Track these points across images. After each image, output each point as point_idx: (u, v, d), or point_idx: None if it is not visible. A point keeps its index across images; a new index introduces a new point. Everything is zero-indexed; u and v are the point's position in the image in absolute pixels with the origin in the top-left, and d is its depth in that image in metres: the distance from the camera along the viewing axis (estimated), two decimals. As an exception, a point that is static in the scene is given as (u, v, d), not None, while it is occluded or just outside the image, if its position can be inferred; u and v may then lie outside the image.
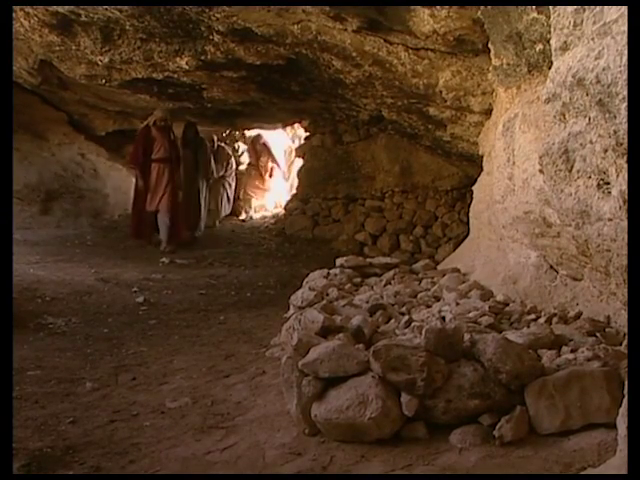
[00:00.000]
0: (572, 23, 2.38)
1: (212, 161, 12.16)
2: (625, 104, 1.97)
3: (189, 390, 4.12)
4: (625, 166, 2.12)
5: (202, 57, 7.37)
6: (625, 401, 2.13)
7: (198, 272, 8.70)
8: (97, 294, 7.04)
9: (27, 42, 7.71)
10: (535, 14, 3.65)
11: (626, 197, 2.16)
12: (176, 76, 8.21)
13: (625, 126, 2.00)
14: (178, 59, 7.48)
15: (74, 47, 7.58)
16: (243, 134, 14.85)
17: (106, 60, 7.71)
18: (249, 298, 7.46)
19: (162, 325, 6.05)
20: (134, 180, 10.69)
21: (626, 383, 2.10)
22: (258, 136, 14.35)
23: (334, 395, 3.04)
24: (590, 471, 2.42)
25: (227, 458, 3.03)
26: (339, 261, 5.90)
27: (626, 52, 1.93)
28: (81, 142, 12.14)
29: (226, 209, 13.31)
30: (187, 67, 7.66)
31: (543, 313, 3.91)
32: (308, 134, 12.04)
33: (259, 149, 14.31)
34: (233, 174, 13.41)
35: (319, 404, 3.06)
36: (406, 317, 4.13)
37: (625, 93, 1.95)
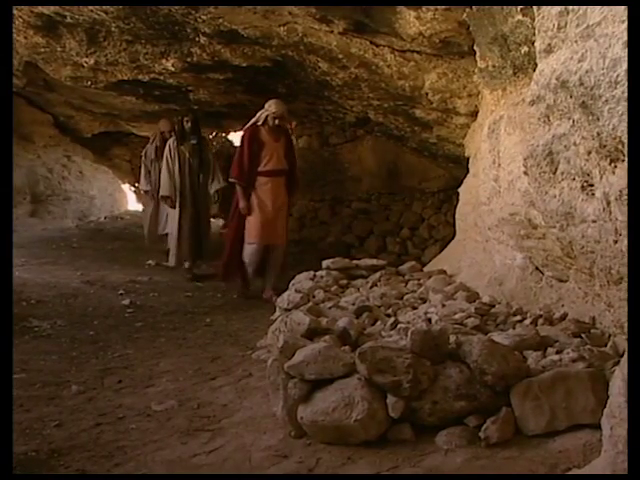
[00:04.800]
0: (556, 26, 2.39)
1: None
2: (608, 107, 1.98)
3: (175, 393, 4.10)
4: (608, 168, 2.14)
5: (188, 59, 7.35)
6: (609, 402, 2.14)
7: (183, 274, 8.67)
8: (83, 297, 7.01)
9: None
10: (520, 16, 3.66)
11: (610, 199, 2.17)
12: (162, 78, 8.18)
13: (608, 128, 2.02)
14: (164, 61, 7.46)
15: (59, 49, 7.54)
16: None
17: (91, 62, 7.67)
18: (235, 300, 7.45)
19: (148, 327, 6.03)
20: (236, 199, 7.63)
21: (616, 384, 2.10)
22: None
23: (320, 397, 3.05)
24: (575, 472, 2.43)
25: (213, 461, 3.03)
26: (325, 263, 5.88)
27: (609, 55, 1.94)
28: (67, 144, 12.12)
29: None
30: (173, 69, 7.64)
31: (529, 314, 3.92)
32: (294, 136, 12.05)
33: None
34: None
35: (305, 406, 3.07)
36: (392, 319, 4.13)
37: (608, 95, 1.97)
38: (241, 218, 7.57)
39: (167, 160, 8.66)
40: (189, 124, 8.65)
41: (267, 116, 7.40)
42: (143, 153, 9.88)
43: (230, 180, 7.77)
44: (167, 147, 8.74)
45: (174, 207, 8.65)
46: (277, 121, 7.39)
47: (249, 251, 7.53)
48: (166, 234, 9.19)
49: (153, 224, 9.69)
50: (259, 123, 7.48)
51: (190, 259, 8.67)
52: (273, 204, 7.49)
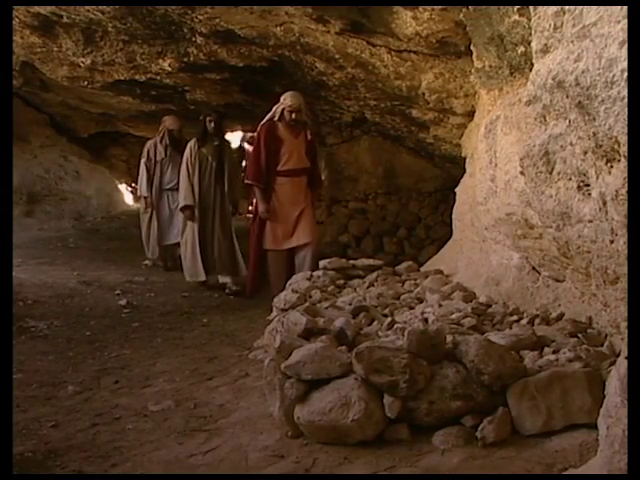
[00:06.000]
0: (552, 26, 2.39)
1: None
2: (604, 107, 1.98)
3: (172, 393, 4.10)
4: (604, 168, 2.14)
5: (185, 59, 7.35)
6: (605, 402, 2.14)
7: (181, 275, 8.66)
8: (79, 297, 7.00)
9: (8, 43, 7.68)
10: (516, 16, 3.66)
11: (606, 199, 2.17)
12: (159, 78, 8.18)
13: (604, 128, 2.02)
14: (161, 61, 7.46)
15: (56, 49, 7.54)
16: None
17: (88, 62, 7.67)
18: (232, 300, 7.44)
19: (145, 328, 6.02)
20: (254, 203, 7.20)
21: (612, 384, 2.10)
22: None
23: (317, 397, 3.04)
24: (572, 471, 2.44)
25: (210, 461, 3.03)
26: (322, 263, 5.88)
27: (605, 55, 1.94)
28: (63, 144, 12.12)
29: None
30: (170, 69, 7.64)
31: (525, 314, 3.92)
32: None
33: None
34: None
35: (302, 406, 3.06)
36: (389, 319, 4.13)
37: (604, 95, 1.97)
38: (262, 223, 7.01)
39: (187, 166, 7.92)
40: (212, 124, 7.97)
41: (283, 110, 6.85)
42: (145, 154, 9.24)
43: (246, 182, 7.21)
44: (187, 150, 8.02)
45: (193, 220, 7.94)
46: (294, 115, 6.82)
47: (270, 260, 7.04)
48: (176, 244, 8.66)
49: (149, 233, 9.31)
50: (275, 118, 6.90)
51: (221, 271, 8.00)
52: (294, 206, 6.98)
